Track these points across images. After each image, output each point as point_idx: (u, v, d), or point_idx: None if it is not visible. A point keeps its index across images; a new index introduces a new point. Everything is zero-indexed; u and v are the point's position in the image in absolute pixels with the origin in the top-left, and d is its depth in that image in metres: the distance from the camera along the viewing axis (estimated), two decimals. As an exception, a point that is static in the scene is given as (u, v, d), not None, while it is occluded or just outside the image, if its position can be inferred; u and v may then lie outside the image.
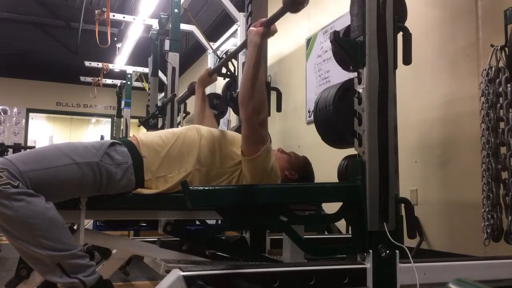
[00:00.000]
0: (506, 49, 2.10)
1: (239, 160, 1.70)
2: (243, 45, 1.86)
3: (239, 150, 1.69)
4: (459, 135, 2.71)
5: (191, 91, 2.52)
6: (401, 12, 1.84)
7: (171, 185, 1.62)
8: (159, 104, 4.75)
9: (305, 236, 1.79)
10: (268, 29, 1.62)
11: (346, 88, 1.66)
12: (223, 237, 2.39)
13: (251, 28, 1.65)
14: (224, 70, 5.16)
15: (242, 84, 1.62)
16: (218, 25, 6.29)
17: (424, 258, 1.99)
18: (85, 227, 1.62)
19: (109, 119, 10.41)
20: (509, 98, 2.09)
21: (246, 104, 1.59)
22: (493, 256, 1.97)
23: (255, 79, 1.59)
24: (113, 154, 1.56)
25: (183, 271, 1.26)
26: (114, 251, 2.33)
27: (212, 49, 5.29)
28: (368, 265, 1.43)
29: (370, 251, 1.43)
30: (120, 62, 6.56)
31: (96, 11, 4.86)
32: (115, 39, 6.66)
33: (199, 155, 1.68)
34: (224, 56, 5.14)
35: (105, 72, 6.96)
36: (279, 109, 2.74)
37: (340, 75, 2.45)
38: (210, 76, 2.35)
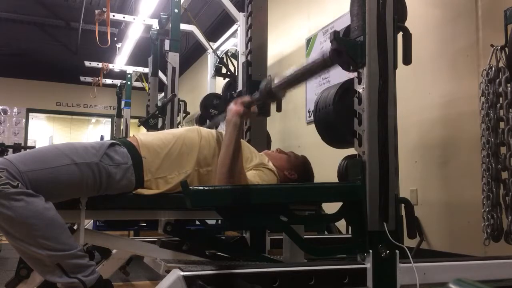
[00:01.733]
0: (506, 49, 2.10)
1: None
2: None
3: None
4: (459, 135, 2.71)
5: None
6: (401, 12, 1.84)
7: (171, 186, 1.62)
8: (159, 104, 4.75)
9: (305, 236, 1.78)
10: (248, 110, 1.63)
11: (346, 88, 1.66)
12: (223, 237, 2.39)
13: (231, 106, 1.65)
14: (224, 70, 5.16)
15: (220, 163, 1.60)
16: (218, 25, 6.29)
17: (424, 258, 1.99)
18: (85, 227, 1.62)
19: (109, 119, 10.42)
20: (509, 98, 2.09)
21: (225, 182, 1.58)
22: (493, 256, 1.97)
23: (235, 158, 1.58)
24: (113, 154, 1.56)
25: (183, 271, 1.26)
26: (114, 251, 2.33)
27: (212, 49, 5.29)
28: (368, 265, 1.43)
29: (370, 251, 1.43)
30: (120, 62, 6.56)
31: (96, 11, 4.86)
32: (115, 39, 6.66)
33: (199, 156, 1.68)
34: (224, 56, 5.15)
35: (105, 72, 6.96)
36: (279, 109, 2.74)
37: (340, 75, 2.45)
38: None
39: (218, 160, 1.63)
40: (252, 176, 1.69)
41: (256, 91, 1.61)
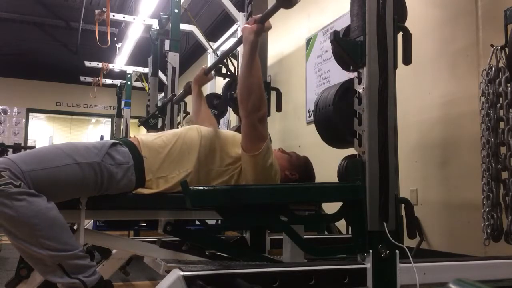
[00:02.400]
0: (506, 49, 2.10)
1: (239, 159, 1.70)
2: (238, 43, 1.87)
3: (239, 149, 1.70)
4: (459, 135, 2.71)
5: (187, 91, 2.52)
6: (401, 12, 1.84)
7: (172, 185, 1.62)
8: (159, 104, 4.75)
9: (305, 236, 1.78)
10: (262, 26, 1.62)
11: (346, 88, 1.66)
12: (223, 237, 2.39)
13: (245, 25, 1.64)
14: (224, 70, 5.16)
15: (240, 81, 1.62)
16: (218, 25, 6.29)
17: (424, 258, 1.99)
18: (85, 227, 1.62)
19: (109, 119, 10.42)
20: (509, 98, 2.09)
21: (246, 101, 1.59)
22: (493, 256, 1.98)
23: (253, 76, 1.59)
24: (114, 154, 1.56)
25: (183, 271, 1.26)
26: (114, 251, 2.33)
27: (212, 49, 5.29)
28: (368, 265, 1.43)
29: (370, 251, 1.43)
30: (120, 62, 6.56)
31: (96, 11, 4.86)
32: (115, 39, 6.67)
33: (200, 155, 1.69)
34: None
35: (105, 72, 6.96)
36: (279, 109, 2.74)
37: (340, 75, 2.45)
38: (206, 75, 2.35)
39: (238, 79, 1.63)
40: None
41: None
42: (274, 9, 1.56)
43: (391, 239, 1.44)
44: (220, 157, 1.72)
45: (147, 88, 5.94)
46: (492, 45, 2.19)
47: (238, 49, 4.85)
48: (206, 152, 1.70)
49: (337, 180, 1.75)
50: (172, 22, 4.15)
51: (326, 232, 3.03)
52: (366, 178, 1.46)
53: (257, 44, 1.61)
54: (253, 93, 1.59)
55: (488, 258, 1.92)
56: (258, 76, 1.61)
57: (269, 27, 1.66)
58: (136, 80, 7.16)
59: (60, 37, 8.33)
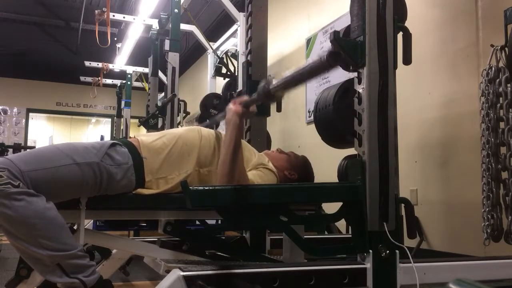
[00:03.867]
0: (506, 49, 2.10)
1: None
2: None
3: None
4: (459, 135, 2.71)
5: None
6: (401, 12, 1.84)
7: (172, 186, 1.62)
8: (159, 104, 4.75)
9: (305, 236, 1.78)
10: (247, 110, 1.64)
11: (346, 88, 1.66)
12: (223, 237, 2.39)
13: (230, 106, 1.66)
14: (224, 70, 5.17)
15: (221, 163, 1.61)
16: (218, 25, 6.29)
17: (424, 258, 1.99)
18: (85, 227, 1.62)
19: (109, 119, 10.42)
20: (509, 98, 2.09)
21: (226, 182, 1.58)
22: (493, 256, 1.97)
23: (235, 158, 1.59)
24: (114, 154, 1.56)
25: (183, 271, 1.26)
26: (114, 251, 2.33)
27: (212, 49, 5.29)
28: (368, 265, 1.43)
29: (370, 251, 1.43)
30: (120, 62, 6.56)
31: (96, 11, 4.86)
32: (115, 39, 6.66)
33: (200, 156, 1.69)
34: (224, 56, 5.16)
35: (105, 72, 6.96)
36: (279, 109, 2.74)
37: (340, 75, 2.45)
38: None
39: (219, 160, 1.64)
40: (252, 176, 1.69)
41: (255, 92, 1.61)
42: (257, 101, 1.60)
43: (391, 239, 1.44)
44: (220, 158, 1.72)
45: (147, 88, 5.95)
46: (492, 45, 2.19)
47: (238, 48, 4.85)
48: (206, 153, 1.70)
49: (337, 180, 1.75)
50: (172, 22, 4.15)
51: (326, 232, 3.03)
52: (366, 178, 1.45)
53: (241, 126, 1.63)
54: (235, 176, 1.59)
55: (488, 258, 1.92)
56: (240, 157, 1.61)
57: (254, 111, 1.68)
58: (136, 80, 7.16)
59: (60, 37, 8.33)
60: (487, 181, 2.14)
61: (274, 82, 1.52)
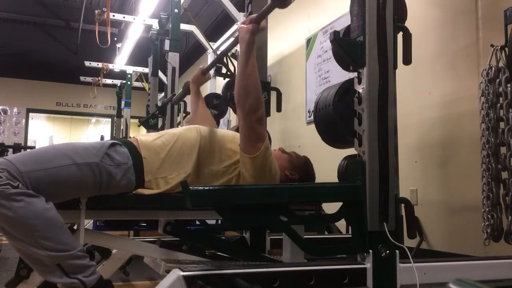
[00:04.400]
0: (506, 49, 2.10)
1: (239, 159, 1.70)
2: (235, 42, 1.87)
3: (239, 149, 1.69)
4: (459, 135, 2.71)
5: (185, 91, 2.53)
6: (401, 12, 1.84)
7: (172, 186, 1.62)
8: (159, 104, 4.75)
9: (305, 236, 1.78)
10: (258, 25, 1.62)
11: (346, 88, 1.65)
12: (223, 237, 2.39)
13: (241, 25, 1.65)
14: (224, 70, 5.16)
15: (237, 82, 1.62)
16: (218, 25, 6.29)
17: (424, 258, 1.99)
18: (85, 227, 1.62)
19: (109, 119, 10.42)
20: (509, 98, 2.09)
21: (243, 102, 1.59)
22: (493, 256, 1.97)
23: (250, 76, 1.59)
24: (113, 154, 1.56)
25: (183, 271, 1.26)
26: (114, 251, 2.33)
27: (212, 49, 5.29)
28: (368, 265, 1.43)
29: (370, 251, 1.43)
30: (120, 62, 6.56)
31: (96, 11, 4.86)
32: (115, 39, 6.66)
33: (199, 156, 1.68)
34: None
35: (105, 72, 6.96)
36: (279, 109, 2.74)
37: (340, 75, 2.45)
38: (204, 75, 2.35)
39: (236, 79, 1.63)
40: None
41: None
42: (269, 9, 1.56)
43: (391, 239, 1.44)
44: (219, 157, 1.72)
45: (147, 88, 5.95)
46: (492, 45, 2.19)
47: (238, 49, 4.85)
48: (205, 153, 1.70)
49: (337, 180, 1.75)
50: (172, 22, 4.15)
51: (326, 232, 3.03)
52: (366, 178, 1.45)
53: (253, 44, 1.61)
54: (250, 94, 1.59)
55: (488, 258, 1.92)
56: (255, 76, 1.61)
57: (264, 26, 1.67)
58: (136, 80, 7.16)
59: (60, 37, 8.33)
60: (487, 181, 2.14)
61: None
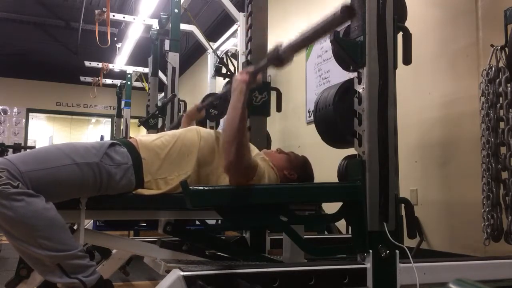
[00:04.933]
0: (506, 49, 2.10)
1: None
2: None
3: None
4: (459, 135, 2.71)
5: (178, 123, 2.58)
6: (401, 12, 1.84)
7: (172, 186, 1.62)
8: (159, 104, 4.75)
9: (305, 236, 1.78)
10: (254, 79, 1.61)
11: (346, 88, 1.66)
12: (223, 237, 2.39)
13: (237, 76, 1.63)
14: (224, 70, 5.16)
15: (224, 130, 1.56)
16: (218, 25, 6.29)
17: (424, 258, 1.99)
18: (85, 227, 1.62)
19: (109, 119, 10.42)
20: (509, 98, 2.09)
21: (228, 150, 1.51)
22: (493, 256, 1.97)
23: (239, 127, 1.52)
24: (113, 154, 1.56)
25: (183, 271, 1.26)
26: (114, 251, 2.33)
27: (212, 49, 5.29)
28: (368, 265, 1.43)
29: (370, 251, 1.43)
30: (120, 62, 6.56)
31: (96, 11, 4.86)
32: (115, 39, 6.66)
33: (199, 157, 1.68)
34: (224, 56, 5.16)
35: (105, 72, 6.96)
36: (279, 109, 2.74)
37: (340, 75, 2.45)
38: (199, 112, 2.39)
39: (223, 127, 1.59)
40: (257, 159, 1.67)
41: (263, 59, 1.59)
42: (265, 66, 1.58)
43: (391, 239, 1.44)
44: (219, 159, 1.71)
45: (147, 88, 5.95)
46: (492, 45, 2.19)
47: (238, 48, 4.85)
48: (205, 154, 1.69)
49: (337, 180, 1.75)
50: (172, 22, 4.15)
51: (326, 232, 3.03)
52: (366, 178, 1.46)
53: (246, 95, 1.57)
54: (237, 142, 1.51)
55: (488, 258, 1.92)
56: (244, 126, 1.56)
57: (260, 81, 1.66)
58: (136, 80, 7.16)
59: (60, 37, 8.33)
60: (487, 181, 2.14)
61: (284, 45, 1.47)
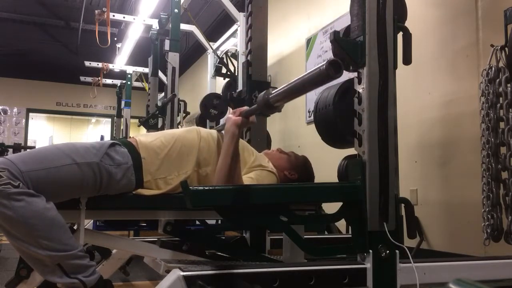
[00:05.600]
0: (506, 49, 2.10)
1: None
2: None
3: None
4: (459, 135, 2.71)
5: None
6: (401, 12, 1.84)
7: (172, 186, 1.62)
8: (159, 104, 4.76)
9: (305, 236, 1.78)
10: (247, 120, 1.65)
11: (346, 88, 1.66)
12: (223, 237, 2.39)
13: (230, 116, 1.67)
14: (224, 70, 5.16)
15: (218, 170, 1.62)
16: (218, 25, 6.29)
17: (424, 258, 1.99)
18: (85, 227, 1.62)
19: (109, 119, 10.42)
20: (509, 98, 2.09)
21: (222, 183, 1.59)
22: (493, 256, 1.97)
23: (232, 169, 1.60)
24: (113, 154, 1.56)
25: (183, 271, 1.26)
26: (114, 251, 2.33)
27: (212, 49, 5.29)
28: (368, 265, 1.43)
29: (370, 251, 1.43)
30: (120, 62, 6.56)
31: (96, 11, 4.86)
32: (115, 39, 6.66)
33: (199, 157, 1.68)
34: (224, 56, 5.16)
35: (105, 72, 6.96)
36: (279, 109, 2.74)
37: (340, 75, 2.45)
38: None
39: (216, 168, 1.64)
40: (250, 179, 1.69)
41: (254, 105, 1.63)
42: (255, 110, 1.61)
43: (391, 239, 1.44)
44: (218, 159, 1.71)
45: (147, 88, 5.95)
46: (492, 45, 2.19)
47: (238, 48, 4.85)
48: (205, 154, 1.70)
49: (337, 180, 1.75)
50: (172, 22, 4.15)
51: (326, 232, 3.03)
52: (366, 178, 1.45)
53: (238, 136, 1.64)
54: (231, 180, 1.60)
55: (488, 258, 1.92)
56: (238, 169, 1.63)
57: (254, 122, 1.69)
58: (136, 80, 7.16)
59: (60, 37, 8.33)
60: (487, 181, 2.14)
61: (274, 92, 1.52)
